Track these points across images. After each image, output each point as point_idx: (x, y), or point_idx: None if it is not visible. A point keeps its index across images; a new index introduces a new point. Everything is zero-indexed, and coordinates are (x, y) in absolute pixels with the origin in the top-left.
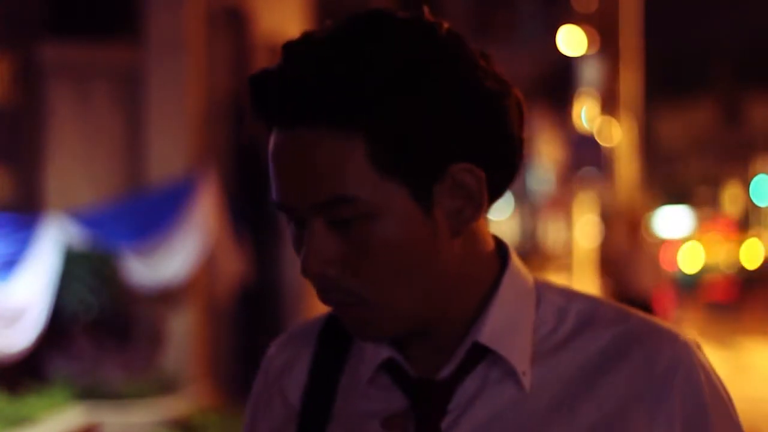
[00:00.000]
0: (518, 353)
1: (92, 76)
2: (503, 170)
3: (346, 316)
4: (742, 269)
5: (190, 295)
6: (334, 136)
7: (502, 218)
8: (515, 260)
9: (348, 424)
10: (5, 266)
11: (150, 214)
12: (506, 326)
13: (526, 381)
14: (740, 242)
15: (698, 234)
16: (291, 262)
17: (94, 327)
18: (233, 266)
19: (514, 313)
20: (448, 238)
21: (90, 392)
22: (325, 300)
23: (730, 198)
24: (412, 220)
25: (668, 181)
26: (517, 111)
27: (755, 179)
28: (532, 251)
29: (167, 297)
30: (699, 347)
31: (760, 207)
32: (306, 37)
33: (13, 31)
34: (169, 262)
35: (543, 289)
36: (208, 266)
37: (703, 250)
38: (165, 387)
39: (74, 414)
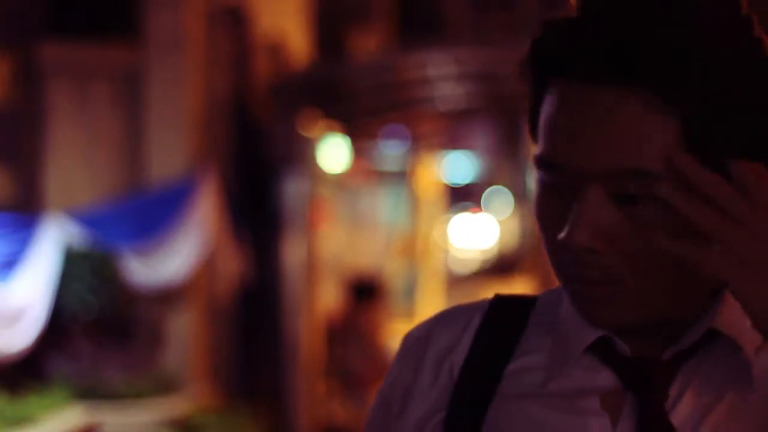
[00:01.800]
0: (751, 340)
1: (92, 76)
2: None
3: (591, 295)
4: None
5: (190, 295)
6: (651, 103)
7: (502, 218)
8: None
9: (548, 402)
10: (5, 266)
11: (150, 214)
12: (741, 315)
13: (756, 374)
14: None
15: None
16: (291, 262)
17: (94, 327)
18: (233, 266)
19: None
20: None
21: (90, 392)
22: (573, 275)
23: None
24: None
25: None
26: None
27: None
28: (533, 251)
29: (167, 297)
30: None
31: None
32: None
33: (13, 31)
34: (169, 262)
35: None
36: (208, 266)
37: None
38: (165, 387)
39: (74, 414)
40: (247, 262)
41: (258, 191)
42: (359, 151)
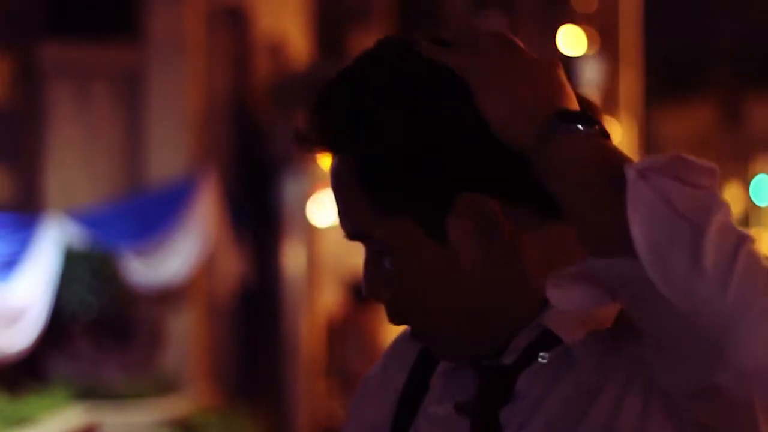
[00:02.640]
0: (576, 337)
1: (92, 76)
2: (514, 192)
3: (413, 334)
4: None
5: (190, 295)
6: (346, 167)
7: None
8: None
9: (430, 409)
10: (5, 266)
11: (150, 214)
12: (569, 316)
13: (586, 370)
14: None
15: None
16: (291, 262)
17: (94, 327)
18: (233, 266)
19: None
20: (474, 268)
21: (90, 392)
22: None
23: (730, 198)
24: (427, 253)
25: None
26: None
27: (755, 179)
28: None
29: (167, 297)
30: None
31: (760, 207)
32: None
33: (13, 31)
34: (169, 262)
35: None
36: (208, 266)
37: None
38: (165, 387)
39: (74, 414)
40: (247, 262)
41: (258, 191)
42: None
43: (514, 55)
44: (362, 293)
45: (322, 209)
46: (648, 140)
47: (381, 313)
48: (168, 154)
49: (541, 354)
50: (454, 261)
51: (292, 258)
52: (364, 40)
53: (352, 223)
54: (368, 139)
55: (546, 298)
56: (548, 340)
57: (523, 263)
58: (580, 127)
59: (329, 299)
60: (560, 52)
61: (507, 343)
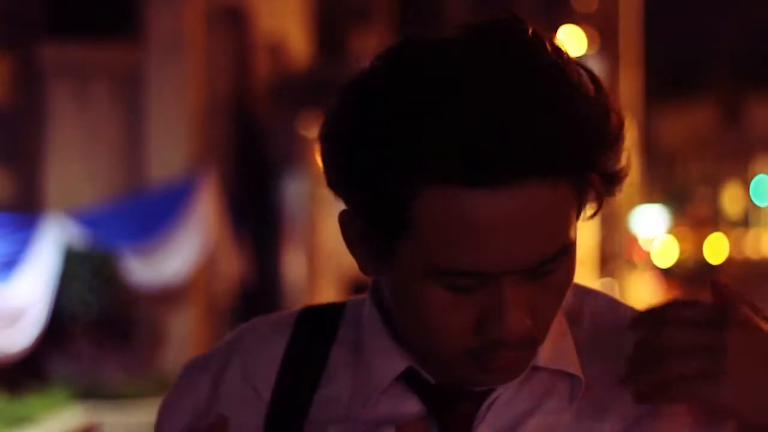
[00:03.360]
0: (570, 363)
1: (92, 76)
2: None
3: (501, 369)
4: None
5: (190, 295)
6: (560, 185)
7: None
8: None
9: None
10: (5, 266)
11: (150, 214)
12: (554, 342)
13: (579, 391)
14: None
15: (673, 231)
16: (290, 262)
17: (94, 327)
18: (233, 266)
19: (556, 329)
20: None
21: (90, 392)
22: (490, 362)
23: (730, 198)
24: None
25: (668, 181)
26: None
27: (755, 179)
28: None
29: (167, 297)
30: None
31: (760, 207)
32: (477, 72)
33: (13, 31)
34: (169, 262)
35: None
36: (208, 266)
37: (677, 246)
38: (165, 387)
39: (74, 414)
40: (247, 262)
41: (258, 191)
42: None
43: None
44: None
45: (323, 209)
46: (648, 140)
47: None
48: (168, 154)
49: (526, 379)
50: None
51: (292, 257)
52: (364, 40)
53: (561, 236)
54: (587, 152)
55: None
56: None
57: None
58: None
59: (329, 299)
60: None
61: None
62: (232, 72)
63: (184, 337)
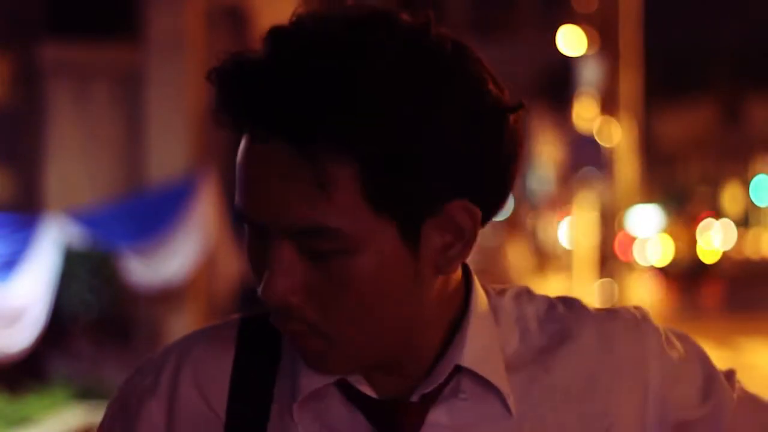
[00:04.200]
0: (499, 376)
1: (92, 76)
2: (496, 201)
3: (302, 346)
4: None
5: (190, 295)
6: (323, 156)
7: (501, 219)
8: (473, 274)
9: None
10: (5, 266)
11: (150, 214)
12: (482, 349)
13: (511, 403)
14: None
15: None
16: None
17: (94, 327)
18: (233, 266)
19: (485, 334)
20: (430, 276)
21: (90, 392)
22: (280, 327)
23: (730, 198)
24: (395, 259)
25: (668, 181)
26: (519, 130)
27: (755, 179)
28: (532, 252)
29: (167, 297)
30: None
31: (759, 207)
32: (296, 33)
33: (13, 31)
34: (169, 262)
35: (493, 297)
36: (208, 266)
37: (672, 245)
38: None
39: (74, 414)
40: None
41: None
42: None
43: None
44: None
45: None
46: (648, 140)
47: None
48: (168, 154)
49: (462, 391)
50: (416, 269)
51: None
52: None
53: (314, 213)
54: (374, 135)
55: (451, 326)
56: (457, 372)
57: (453, 282)
58: None
59: None
60: (560, 52)
61: (410, 365)
62: None
63: None
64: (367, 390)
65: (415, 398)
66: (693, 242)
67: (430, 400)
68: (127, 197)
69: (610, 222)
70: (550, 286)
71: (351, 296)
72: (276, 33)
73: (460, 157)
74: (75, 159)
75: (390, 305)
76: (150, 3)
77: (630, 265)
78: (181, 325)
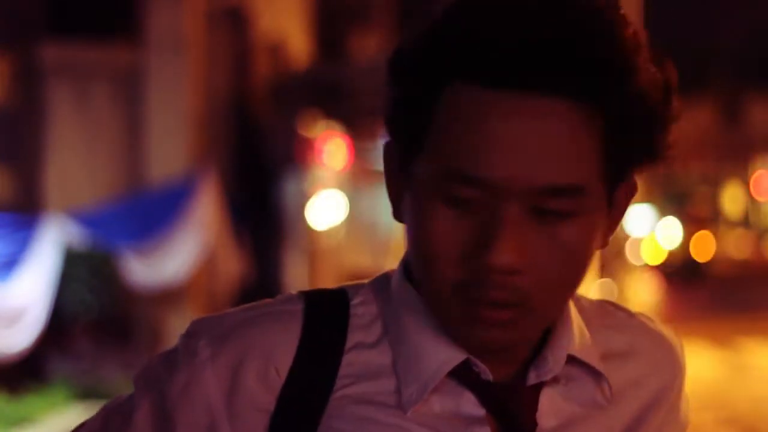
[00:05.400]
0: (598, 362)
1: (92, 76)
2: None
3: (492, 318)
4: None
5: (190, 295)
6: (580, 115)
7: None
8: None
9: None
10: (5, 266)
11: (150, 214)
12: (580, 335)
13: (607, 390)
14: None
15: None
16: (291, 262)
17: (94, 327)
18: (233, 266)
19: (577, 322)
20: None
21: (90, 392)
22: (478, 297)
23: (730, 198)
24: (601, 225)
25: (668, 181)
26: None
27: (755, 178)
28: None
29: (167, 297)
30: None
31: (759, 206)
32: None
33: (13, 31)
34: (169, 262)
35: None
36: (208, 266)
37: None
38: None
39: (74, 414)
40: (247, 261)
41: (258, 191)
42: (359, 151)
43: None
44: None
45: (322, 209)
46: None
47: None
48: (168, 154)
49: (565, 376)
50: (607, 229)
51: (292, 257)
52: (364, 40)
53: (571, 172)
54: (626, 97)
55: None
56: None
57: None
58: None
59: None
60: None
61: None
62: (232, 72)
63: None
64: (487, 373)
65: (530, 383)
66: (687, 242)
67: (541, 385)
68: (127, 197)
69: None
70: None
71: (566, 261)
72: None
73: (662, 122)
74: (75, 159)
75: (584, 272)
76: (150, 3)
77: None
78: (181, 325)
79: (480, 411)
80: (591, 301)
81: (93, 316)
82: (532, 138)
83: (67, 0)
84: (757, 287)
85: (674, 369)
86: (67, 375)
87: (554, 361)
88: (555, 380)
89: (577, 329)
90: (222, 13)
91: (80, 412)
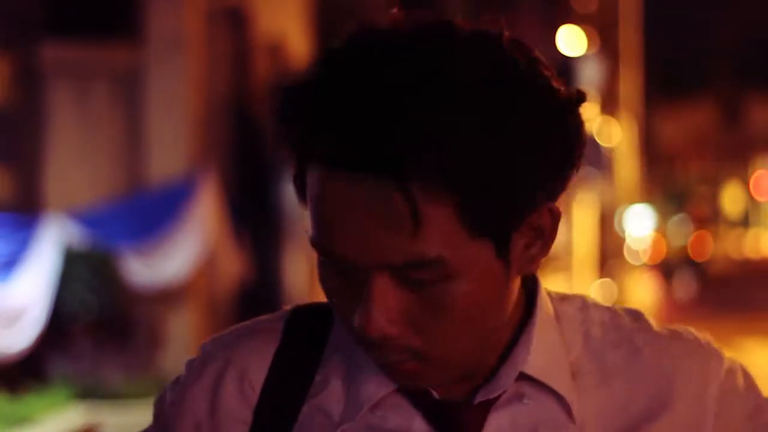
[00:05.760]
0: (562, 382)
1: (92, 76)
2: (563, 190)
3: (397, 370)
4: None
5: (190, 295)
6: (419, 189)
7: None
8: (538, 278)
9: None
10: (5, 266)
11: (150, 214)
12: (547, 354)
13: (575, 409)
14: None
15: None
16: (291, 262)
17: (94, 327)
18: (233, 266)
19: (549, 339)
20: (514, 281)
21: (90, 392)
22: (378, 359)
23: (730, 197)
24: (491, 275)
25: (668, 181)
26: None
27: (755, 179)
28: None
29: (167, 297)
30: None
31: (759, 206)
32: (369, 51)
33: (13, 31)
34: (169, 262)
35: (557, 303)
36: (208, 266)
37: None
38: (165, 387)
39: (74, 414)
40: (247, 262)
41: (258, 191)
42: None
43: None
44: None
45: None
46: (648, 140)
47: None
48: (168, 154)
49: (524, 395)
50: (507, 278)
51: (292, 257)
52: None
53: (412, 246)
54: (471, 165)
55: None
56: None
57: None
58: None
59: None
60: (560, 52)
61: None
62: (232, 72)
63: (183, 337)
64: (433, 392)
65: (477, 401)
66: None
67: (492, 403)
68: (127, 197)
69: (609, 222)
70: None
71: (450, 317)
72: (339, 54)
73: (549, 164)
74: (75, 159)
75: (485, 318)
76: (150, 3)
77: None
78: (181, 325)
79: (428, 429)
80: (605, 312)
81: (93, 316)
82: (366, 218)
83: (67, 0)
84: (756, 287)
85: (695, 385)
86: (67, 375)
87: (503, 381)
88: (514, 399)
89: (546, 346)
90: (222, 13)
91: (80, 412)
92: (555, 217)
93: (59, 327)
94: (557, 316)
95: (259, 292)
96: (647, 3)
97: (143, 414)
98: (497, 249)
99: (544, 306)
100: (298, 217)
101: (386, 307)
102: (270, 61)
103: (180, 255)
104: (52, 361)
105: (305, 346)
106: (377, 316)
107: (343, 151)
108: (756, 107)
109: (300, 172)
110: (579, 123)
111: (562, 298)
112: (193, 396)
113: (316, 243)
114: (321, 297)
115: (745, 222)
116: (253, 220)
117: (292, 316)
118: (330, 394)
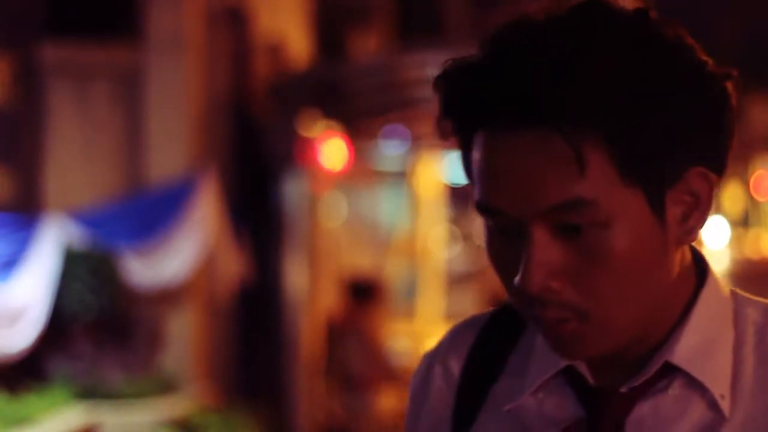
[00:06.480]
0: (715, 376)
1: (92, 76)
2: (723, 167)
3: (559, 333)
4: None
5: (190, 295)
6: (575, 135)
7: None
8: (713, 272)
9: (516, 423)
10: (5, 266)
11: (150, 214)
12: (702, 346)
13: (725, 405)
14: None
15: None
16: (291, 262)
17: (94, 327)
18: (233, 266)
19: (711, 332)
20: (672, 249)
21: (90, 392)
22: (538, 317)
23: (730, 198)
24: (645, 229)
25: None
26: (734, 97)
27: (755, 179)
28: None
29: (167, 297)
30: None
31: (759, 206)
32: (522, 29)
33: (13, 31)
34: (169, 262)
35: (740, 303)
36: (208, 266)
37: None
38: (165, 387)
39: (74, 414)
40: (247, 262)
41: (258, 191)
42: (359, 151)
43: None
44: (515, 288)
45: (322, 209)
46: None
47: (381, 313)
48: (168, 154)
49: (672, 387)
50: (664, 240)
51: (292, 258)
52: (364, 40)
53: (570, 187)
54: (618, 111)
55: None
56: (672, 371)
57: (684, 266)
58: None
59: (329, 299)
60: None
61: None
62: (232, 72)
63: (183, 337)
64: (587, 375)
65: (624, 389)
66: None
67: (640, 393)
68: (127, 197)
69: None
70: None
71: (609, 270)
72: (501, 38)
73: (696, 124)
74: (75, 159)
75: (644, 279)
76: (150, 3)
77: None
78: (181, 325)
79: (581, 413)
80: None
81: (93, 316)
82: (529, 167)
83: (67, 0)
84: (757, 287)
85: None
86: (67, 375)
87: (648, 368)
88: (662, 389)
89: (707, 339)
90: (222, 13)
91: (80, 412)
92: (710, 184)
93: (59, 327)
94: (736, 315)
95: (259, 292)
96: (647, 3)
97: (143, 414)
98: (650, 202)
99: (713, 296)
100: (299, 218)
101: (546, 258)
102: (270, 61)
103: (180, 255)
104: (52, 361)
105: (503, 334)
106: (537, 269)
107: (511, 107)
108: (756, 107)
109: (466, 152)
110: (725, 93)
111: (749, 301)
112: (416, 384)
113: (481, 203)
114: (320, 297)
115: (745, 222)
116: (253, 220)
117: (493, 315)
118: (506, 381)
